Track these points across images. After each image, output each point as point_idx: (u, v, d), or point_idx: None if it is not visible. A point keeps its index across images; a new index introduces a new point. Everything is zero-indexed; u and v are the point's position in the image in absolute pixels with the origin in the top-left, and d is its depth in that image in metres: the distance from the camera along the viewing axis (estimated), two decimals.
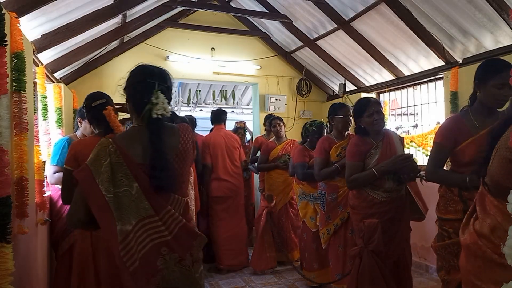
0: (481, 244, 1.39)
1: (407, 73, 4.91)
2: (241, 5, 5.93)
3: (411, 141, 4.83)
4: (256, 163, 4.87)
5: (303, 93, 6.48)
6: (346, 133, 3.43)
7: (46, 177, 3.06)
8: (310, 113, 6.59)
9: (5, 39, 1.91)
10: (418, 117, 5.35)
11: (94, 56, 5.12)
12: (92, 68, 5.35)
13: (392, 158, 2.63)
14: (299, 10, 5.19)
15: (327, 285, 3.64)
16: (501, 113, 2.07)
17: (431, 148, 2.31)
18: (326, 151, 3.33)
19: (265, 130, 5.40)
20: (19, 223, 2.25)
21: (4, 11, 1.90)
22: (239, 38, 6.22)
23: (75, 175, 1.50)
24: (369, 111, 2.71)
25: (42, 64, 3.49)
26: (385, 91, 5.37)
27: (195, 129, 5.10)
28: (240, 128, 5.88)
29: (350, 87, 6.01)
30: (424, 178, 2.54)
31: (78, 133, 3.12)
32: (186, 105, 10.40)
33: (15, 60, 2.25)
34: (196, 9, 5.54)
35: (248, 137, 6.24)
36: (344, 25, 4.80)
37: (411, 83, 4.99)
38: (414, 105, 5.13)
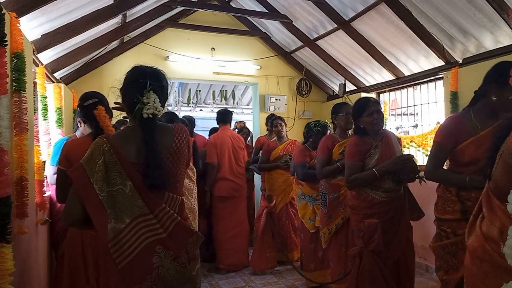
0: (488, 248, 1.35)
1: (407, 73, 4.91)
2: (241, 5, 5.93)
3: (411, 141, 4.83)
4: (257, 163, 4.87)
5: (303, 93, 6.48)
6: (350, 132, 3.43)
7: (46, 177, 3.06)
8: (310, 113, 6.59)
9: (5, 39, 1.91)
10: (418, 117, 5.35)
11: (94, 56, 5.12)
12: (92, 68, 5.35)
13: (392, 158, 2.63)
14: (299, 10, 5.19)
15: (327, 285, 3.64)
16: (501, 114, 2.07)
17: (431, 147, 2.31)
18: (329, 149, 3.33)
19: (267, 130, 5.40)
20: (19, 223, 2.25)
21: (4, 11, 1.90)
22: (239, 38, 6.22)
23: (69, 174, 1.52)
24: (369, 111, 2.71)
25: (42, 64, 3.49)
26: (385, 91, 5.37)
27: (195, 129, 5.10)
28: (245, 128, 5.88)
29: (350, 87, 6.01)
30: (423, 179, 2.55)
31: (78, 133, 3.11)
32: (186, 105, 10.41)
33: (15, 60, 2.25)
34: (196, 9, 5.54)
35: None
36: (344, 25, 4.80)
37: (411, 83, 4.99)
38: (414, 105, 5.13)
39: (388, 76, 5.20)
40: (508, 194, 1.20)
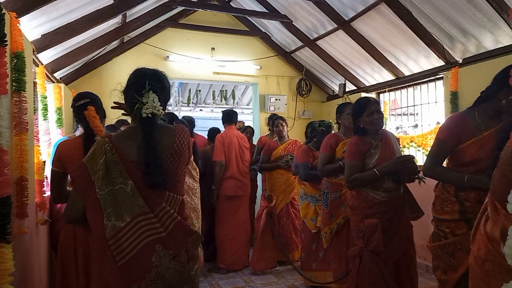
0: (491, 248, 1.35)
1: (407, 73, 4.91)
2: (241, 5, 5.93)
3: (411, 141, 4.83)
4: (257, 164, 4.87)
5: (303, 93, 6.48)
6: None
7: (46, 177, 3.06)
8: (310, 113, 6.59)
9: (5, 39, 1.91)
10: (418, 117, 5.35)
11: (94, 56, 5.13)
12: (92, 68, 5.35)
13: (393, 159, 2.63)
14: (299, 10, 5.19)
15: (327, 285, 3.63)
16: (503, 115, 2.06)
17: (432, 144, 2.29)
18: (332, 148, 3.33)
19: (269, 130, 5.41)
20: (19, 223, 2.25)
21: (4, 11, 1.90)
22: (239, 38, 6.22)
23: (72, 172, 1.56)
24: (369, 111, 2.71)
25: (42, 64, 3.49)
26: (385, 91, 5.37)
27: (194, 129, 5.10)
28: (249, 127, 5.87)
29: (350, 87, 6.01)
30: (423, 179, 2.55)
31: (78, 133, 3.11)
32: (186, 105, 10.41)
33: (15, 60, 2.25)
34: (196, 9, 5.54)
35: None
36: (344, 25, 4.80)
37: (411, 83, 4.99)
38: (414, 105, 5.13)
39: (388, 76, 5.20)
40: (503, 199, 1.20)
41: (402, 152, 2.95)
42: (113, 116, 2.61)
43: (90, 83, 5.27)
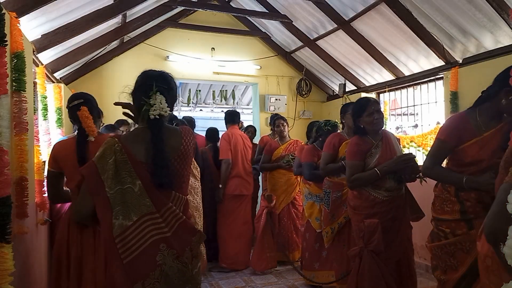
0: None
1: (407, 73, 4.91)
2: (241, 5, 5.93)
3: (411, 141, 4.83)
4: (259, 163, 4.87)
5: (303, 93, 6.48)
6: None
7: (46, 177, 3.06)
8: (310, 113, 6.59)
9: (5, 39, 1.91)
10: (418, 117, 5.35)
11: (94, 56, 5.13)
12: (92, 68, 5.35)
13: (395, 158, 2.64)
14: (299, 10, 5.19)
15: (327, 285, 3.63)
16: (504, 116, 2.06)
17: (432, 144, 2.29)
18: (335, 147, 3.33)
19: (271, 130, 5.40)
20: (19, 223, 2.25)
21: (4, 11, 1.90)
22: (239, 38, 6.22)
23: (82, 171, 1.58)
24: (369, 111, 2.71)
25: (42, 64, 3.49)
26: (385, 91, 5.37)
27: (194, 129, 5.10)
28: (251, 127, 5.86)
29: (350, 87, 6.01)
30: (424, 179, 2.55)
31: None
32: (186, 105, 10.41)
33: (15, 60, 2.25)
34: (196, 9, 5.54)
35: None
36: (344, 25, 4.80)
37: (411, 83, 4.99)
38: (414, 105, 5.12)
39: (388, 76, 5.20)
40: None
41: (402, 152, 2.94)
42: (119, 116, 2.61)
43: (90, 83, 5.27)
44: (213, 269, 4.51)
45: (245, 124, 6.24)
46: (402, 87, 5.19)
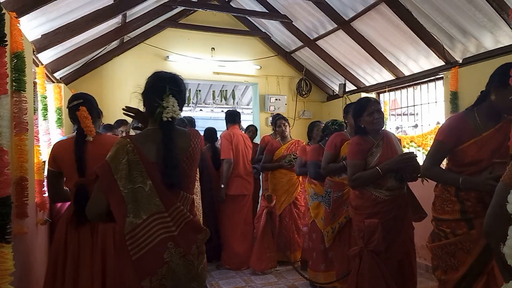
0: None
1: (407, 73, 4.91)
2: (241, 5, 5.93)
3: (411, 141, 4.83)
4: (259, 163, 4.87)
5: (303, 93, 6.48)
6: None
7: (46, 177, 3.06)
8: (310, 113, 6.59)
9: (5, 39, 1.91)
10: (418, 117, 5.35)
11: (94, 56, 5.13)
12: (92, 68, 5.35)
13: (396, 157, 2.64)
14: (299, 10, 5.19)
15: (328, 285, 3.63)
16: (504, 116, 2.06)
17: (431, 145, 2.30)
18: (337, 147, 3.33)
19: (273, 129, 5.40)
20: (19, 223, 2.25)
21: (4, 11, 1.90)
22: (239, 38, 6.22)
23: (96, 170, 1.61)
24: (369, 110, 2.71)
25: (42, 64, 3.49)
26: (385, 91, 5.37)
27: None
28: (252, 126, 5.85)
29: (350, 87, 6.01)
30: (426, 179, 2.54)
31: None
32: (186, 105, 10.40)
33: (15, 60, 2.25)
34: (196, 9, 5.54)
35: None
36: (344, 25, 4.80)
37: (411, 83, 4.99)
38: (414, 105, 5.12)
39: (388, 76, 5.20)
40: None
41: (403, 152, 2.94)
42: (119, 116, 2.61)
43: (90, 83, 5.27)
44: (219, 267, 4.51)
45: (244, 125, 6.23)
46: (402, 87, 5.19)
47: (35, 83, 3.14)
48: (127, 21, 4.82)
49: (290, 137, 4.81)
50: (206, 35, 5.97)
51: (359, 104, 2.82)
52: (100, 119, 2.44)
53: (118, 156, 1.60)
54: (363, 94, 5.45)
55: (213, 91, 10.47)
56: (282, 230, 4.50)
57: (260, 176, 5.47)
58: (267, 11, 5.51)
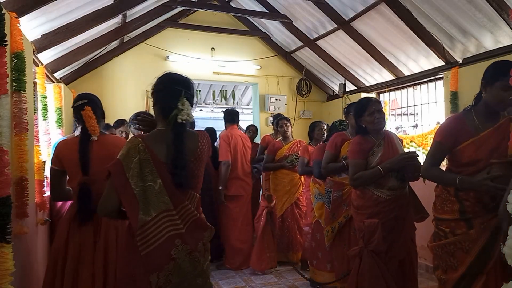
0: None
1: (407, 73, 4.91)
2: (241, 5, 5.93)
3: (411, 141, 4.83)
4: (260, 163, 4.86)
5: (303, 93, 6.48)
6: None
7: (46, 177, 3.07)
8: (310, 113, 6.59)
9: (5, 39, 1.91)
10: (418, 117, 5.35)
11: (94, 56, 5.13)
12: (92, 68, 5.35)
13: (397, 156, 2.64)
14: (299, 10, 5.19)
15: (328, 285, 3.63)
16: (502, 115, 2.06)
17: (430, 146, 2.31)
18: (337, 147, 3.34)
19: (274, 129, 5.40)
20: (19, 223, 2.26)
21: (4, 11, 1.90)
22: (239, 38, 6.22)
23: (109, 168, 1.65)
24: (370, 110, 2.72)
25: (42, 64, 3.49)
26: (385, 91, 5.37)
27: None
28: (252, 126, 5.85)
29: (350, 87, 6.01)
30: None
31: (77, 133, 3.12)
32: None
33: (15, 60, 2.25)
34: (196, 9, 5.54)
35: None
36: (344, 25, 4.80)
37: (411, 83, 4.99)
38: (414, 105, 5.13)
39: (388, 76, 5.20)
40: None
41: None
42: (119, 116, 2.62)
43: (90, 83, 5.27)
44: (219, 267, 4.52)
45: (244, 125, 6.22)
46: (402, 87, 5.20)
47: (35, 83, 3.14)
48: (127, 21, 4.82)
49: (292, 137, 4.80)
50: (206, 35, 5.98)
51: (360, 104, 2.83)
52: (104, 119, 2.46)
53: (130, 155, 1.65)
54: (363, 94, 5.45)
55: (213, 91, 10.47)
56: (284, 230, 4.49)
57: (261, 176, 5.47)
58: (267, 11, 5.51)
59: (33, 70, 3.07)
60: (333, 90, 6.47)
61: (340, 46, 5.31)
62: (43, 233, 2.98)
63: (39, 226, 2.81)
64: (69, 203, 2.97)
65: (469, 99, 2.27)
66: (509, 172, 1.79)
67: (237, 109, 5.20)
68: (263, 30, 6.26)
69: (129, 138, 2.14)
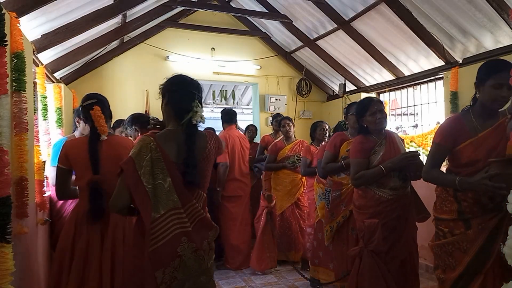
0: None
1: (407, 73, 4.91)
2: (241, 5, 5.93)
3: (411, 141, 4.83)
4: (261, 163, 4.86)
5: (303, 93, 6.48)
6: None
7: (46, 177, 3.06)
8: (310, 113, 6.59)
9: (5, 39, 1.91)
10: (418, 117, 5.35)
11: (94, 56, 5.13)
12: (92, 68, 5.35)
13: (399, 155, 2.64)
14: (299, 10, 5.19)
15: (328, 285, 3.63)
16: (501, 114, 2.07)
17: (430, 148, 2.31)
18: (336, 147, 3.35)
19: (273, 129, 5.39)
20: (19, 223, 2.26)
21: (4, 11, 1.90)
22: (239, 38, 6.22)
23: (122, 165, 1.68)
24: (372, 110, 2.72)
25: (42, 64, 3.49)
26: (385, 91, 5.38)
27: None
28: (252, 126, 5.84)
29: (350, 87, 6.01)
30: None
31: (77, 133, 3.13)
32: None
33: (15, 60, 2.25)
34: (196, 9, 5.54)
35: None
36: (344, 25, 4.81)
37: (411, 83, 4.99)
38: (414, 105, 5.13)
39: (388, 76, 5.20)
40: None
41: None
42: (119, 116, 2.62)
43: (90, 83, 5.27)
44: (219, 267, 4.52)
45: (244, 125, 6.22)
46: (402, 87, 5.20)
47: (35, 83, 3.14)
48: (127, 21, 4.82)
49: (294, 137, 4.79)
50: (206, 35, 5.98)
51: (361, 104, 2.84)
52: (111, 119, 2.48)
53: (142, 153, 1.69)
54: (363, 94, 5.46)
55: (213, 91, 10.47)
56: (285, 229, 4.49)
57: (261, 176, 5.46)
58: (267, 11, 5.51)
59: (33, 70, 3.06)
60: (333, 90, 6.47)
61: (340, 46, 5.31)
62: (43, 233, 2.98)
63: (39, 226, 2.81)
64: (69, 203, 2.99)
65: (469, 99, 2.27)
66: (507, 171, 1.80)
67: (236, 109, 5.20)
68: (263, 30, 6.26)
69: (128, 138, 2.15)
